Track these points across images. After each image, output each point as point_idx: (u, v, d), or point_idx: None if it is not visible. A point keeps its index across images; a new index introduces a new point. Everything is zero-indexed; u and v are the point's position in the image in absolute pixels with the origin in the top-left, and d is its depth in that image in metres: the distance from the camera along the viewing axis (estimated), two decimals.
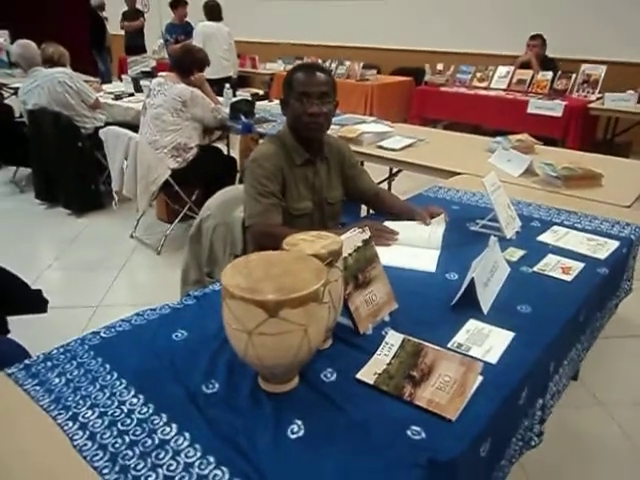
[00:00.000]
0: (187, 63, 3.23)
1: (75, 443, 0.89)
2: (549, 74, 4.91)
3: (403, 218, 1.79)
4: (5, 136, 4.26)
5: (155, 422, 0.94)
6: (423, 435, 0.91)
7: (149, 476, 0.83)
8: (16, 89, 4.56)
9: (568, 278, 1.47)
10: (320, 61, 6.20)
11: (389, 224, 1.76)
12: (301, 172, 1.77)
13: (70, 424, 0.93)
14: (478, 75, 5.40)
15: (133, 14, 7.89)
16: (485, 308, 1.29)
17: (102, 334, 1.19)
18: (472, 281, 1.26)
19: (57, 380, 1.04)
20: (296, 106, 1.67)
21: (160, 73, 3.61)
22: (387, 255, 1.53)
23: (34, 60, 3.84)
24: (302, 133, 1.73)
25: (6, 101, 5.28)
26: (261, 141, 3.36)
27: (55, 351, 1.13)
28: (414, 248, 1.62)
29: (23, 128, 4.08)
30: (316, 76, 1.67)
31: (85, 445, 0.89)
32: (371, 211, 2.08)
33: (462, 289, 1.29)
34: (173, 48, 5.76)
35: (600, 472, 1.80)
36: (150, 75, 5.09)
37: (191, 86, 3.21)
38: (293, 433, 0.91)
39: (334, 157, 1.86)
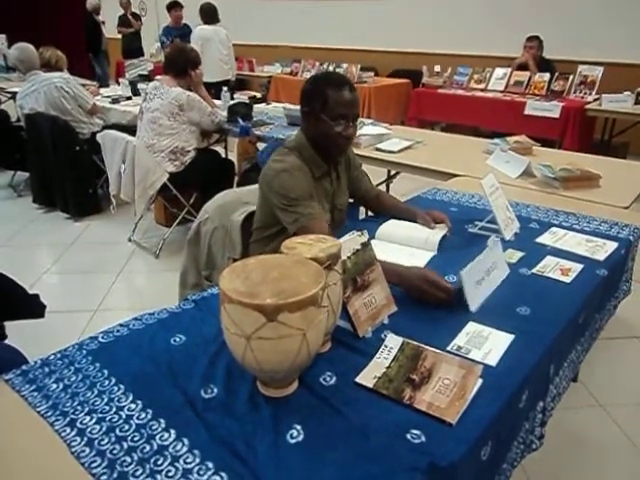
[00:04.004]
0: (181, 62, 3.21)
1: (73, 450, 0.88)
2: (546, 75, 4.93)
3: (405, 220, 1.80)
4: (2, 140, 4.25)
5: (154, 428, 0.93)
6: (423, 439, 0.91)
7: None
8: (13, 93, 4.55)
9: (567, 280, 1.47)
10: (317, 64, 6.22)
11: (392, 222, 1.77)
12: (320, 184, 1.74)
13: (68, 430, 0.92)
14: (475, 77, 5.42)
15: (129, 18, 7.91)
16: (473, 306, 1.29)
17: (100, 339, 1.18)
18: (459, 277, 1.26)
19: (55, 386, 1.03)
20: (331, 126, 1.62)
21: (157, 77, 3.61)
22: (382, 253, 1.53)
23: (32, 63, 3.83)
24: (332, 152, 1.71)
25: (3, 105, 5.28)
26: (260, 145, 3.38)
27: (53, 356, 1.12)
28: (410, 248, 1.62)
29: (21, 132, 4.07)
30: (353, 97, 1.64)
31: (83, 451, 0.88)
32: (370, 213, 2.07)
33: (457, 288, 1.29)
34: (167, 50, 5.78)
35: (601, 473, 1.79)
36: (147, 78, 5.09)
37: (190, 84, 3.21)
38: (292, 438, 0.91)
39: (342, 162, 1.85)
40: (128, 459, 0.87)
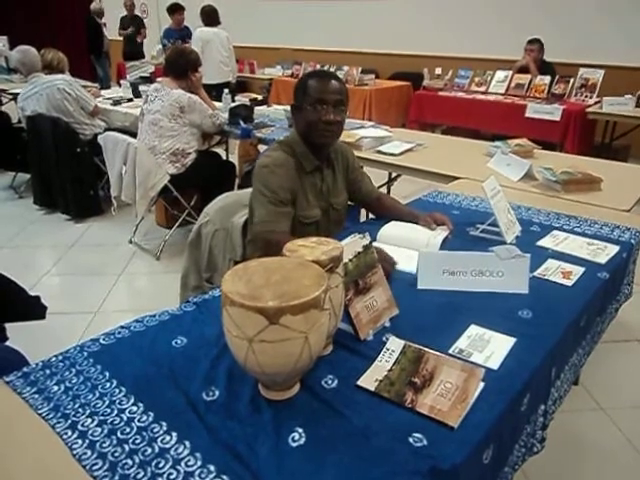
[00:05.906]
0: (181, 65, 3.21)
1: (74, 452, 0.88)
2: (547, 78, 4.93)
3: (406, 222, 1.79)
4: (3, 142, 4.25)
5: (155, 430, 0.93)
6: (425, 442, 0.90)
7: None
8: (15, 94, 4.55)
9: (569, 283, 1.46)
10: (318, 66, 6.22)
11: (393, 224, 1.77)
12: (310, 179, 1.76)
13: (69, 433, 0.92)
14: (476, 79, 5.41)
15: (132, 20, 7.91)
16: (420, 284, 1.40)
17: (101, 341, 1.18)
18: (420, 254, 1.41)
19: (56, 388, 1.03)
20: (311, 113, 1.65)
21: (158, 79, 3.61)
22: None
23: (34, 66, 3.83)
24: (315, 140, 1.71)
25: (5, 106, 5.28)
26: (261, 147, 3.38)
27: (54, 358, 1.12)
28: (411, 250, 1.62)
29: (22, 133, 4.07)
30: (332, 84, 1.66)
31: (84, 454, 0.88)
32: (371, 215, 2.07)
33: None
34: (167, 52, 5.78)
35: (602, 476, 1.79)
36: (149, 80, 5.09)
37: (190, 87, 3.22)
38: (294, 441, 0.91)
39: (339, 161, 1.86)
40: (129, 462, 0.86)
